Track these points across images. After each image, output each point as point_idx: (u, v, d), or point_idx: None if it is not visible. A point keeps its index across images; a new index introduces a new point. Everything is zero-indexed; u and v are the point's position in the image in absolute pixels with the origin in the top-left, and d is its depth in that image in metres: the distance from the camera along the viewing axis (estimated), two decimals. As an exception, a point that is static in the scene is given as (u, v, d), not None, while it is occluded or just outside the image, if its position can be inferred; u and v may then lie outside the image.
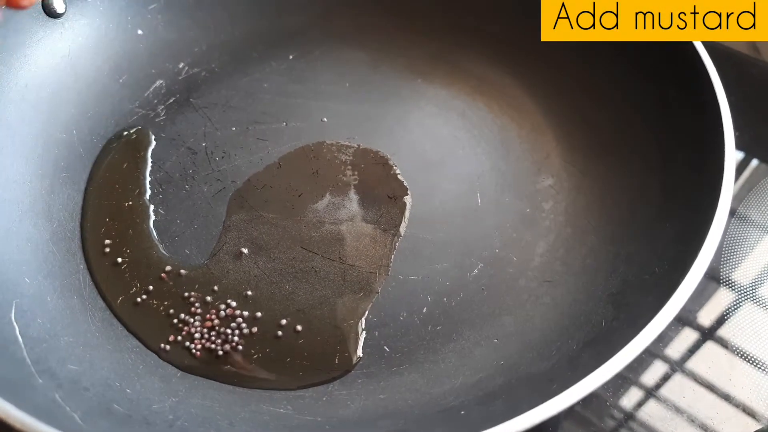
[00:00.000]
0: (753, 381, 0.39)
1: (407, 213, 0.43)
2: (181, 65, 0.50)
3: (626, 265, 0.37)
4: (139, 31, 0.49)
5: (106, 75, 0.48)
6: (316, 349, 0.37)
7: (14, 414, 0.27)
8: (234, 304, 0.38)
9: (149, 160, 0.45)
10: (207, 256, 0.41)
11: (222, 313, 0.38)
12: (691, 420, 0.37)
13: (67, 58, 0.46)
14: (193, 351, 0.37)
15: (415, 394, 0.35)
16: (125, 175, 0.44)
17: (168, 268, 0.40)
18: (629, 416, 0.38)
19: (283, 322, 0.38)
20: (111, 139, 0.46)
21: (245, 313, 0.38)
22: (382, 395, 0.35)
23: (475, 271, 0.40)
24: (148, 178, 0.44)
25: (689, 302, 0.31)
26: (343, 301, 0.39)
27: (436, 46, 0.51)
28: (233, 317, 0.38)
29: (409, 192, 0.44)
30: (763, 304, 0.42)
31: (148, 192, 0.43)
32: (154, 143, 0.46)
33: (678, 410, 0.38)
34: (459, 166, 0.45)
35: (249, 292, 0.39)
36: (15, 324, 0.34)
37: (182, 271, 0.40)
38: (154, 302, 0.38)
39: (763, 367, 0.39)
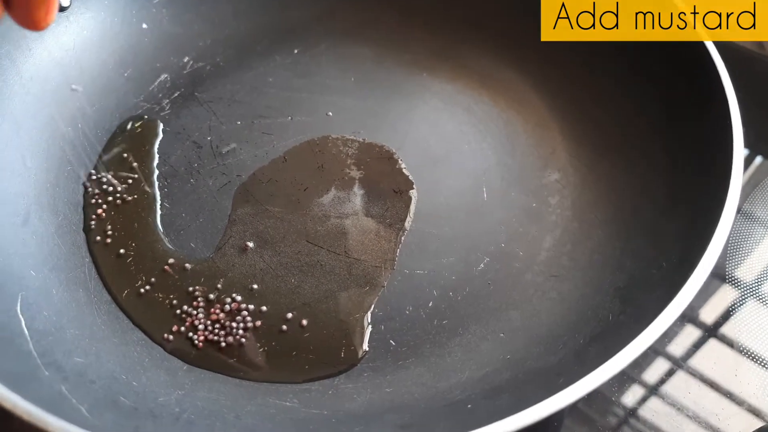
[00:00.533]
0: (758, 378, 0.39)
1: (413, 207, 0.43)
2: (185, 59, 0.50)
3: (633, 259, 0.37)
4: (144, 25, 0.49)
5: (111, 69, 0.48)
6: (321, 343, 0.37)
7: (21, 405, 0.27)
8: (239, 297, 0.38)
9: (155, 153, 0.45)
10: (212, 250, 0.41)
11: (227, 306, 0.38)
12: (696, 417, 0.37)
13: (72, 51, 0.46)
14: (196, 342, 0.37)
15: (422, 388, 0.35)
16: (130, 169, 0.44)
17: (173, 261, 0.40)
18: (633, 413, 0.38)
19: (289, 315, 0.38)
20: (116, 132, 0.46)
21: (251, 307, 0.38)
22: (388, 389, 0.35)
23: (481, 265, 0.40)
24: (154, 172, 0.44)
25: (693, 299, 0.30)
26: (348, 295, 0.39)
27: (441, 41, 0.51)
28: (239, 311, 0.38)
29: (414, 186, 0.44)
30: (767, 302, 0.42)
31: (154, 185, 0.43)
32: (159, 136, 0.46)
33: (682, 407, 0.38)
34: (465, 160, 0.45)
35: (254, 286, 0.39)
36: (21, 317, 0.34)
37: (187, 264, 0.40)
38: (159, 295, 0.38)
39: (767, 365, 0.39)
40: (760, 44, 0.55)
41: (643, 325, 0.29)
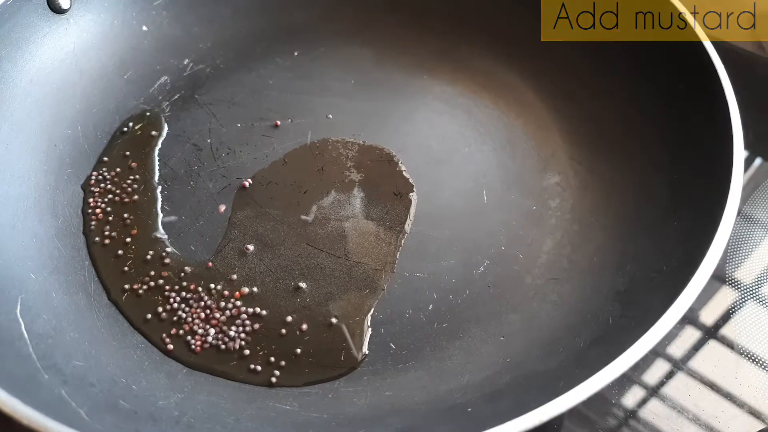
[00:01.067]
0: (758, 380, 0.39)
1: (413, 210, 0.43)
2: (185, 61, 0.50)
3: (633, 262, 0.37)
4: (144, 28, 0.49)
5: (111, 71, 0.48)
6: (321, 346, 0.37)
7: (21, 409, 0.27)
8: (239, 301, 0.38)
9: (155, 156, 0.45)
10: (212, 253, 0.41)
11: (228, 311, 0.38)
12: (696, 419, 0.37)
13: (72, 54, 0.46)
14: (195, 346, 0.37)
15: (422, 391, 0.35)
16: (130, 172, 0.44)
17: (173, 264, 0.40)
18: (633, 415, 0.38)
19: (289, 319, 0.38)
20: (116, 135, 0.46)
21: (250, 310, 0.38)
22: (388, 392, 0.35)
23: (481, 268, 0.40)
24: (154, 175, 0.44)
25: (693, 301, 0.30)
26: (348, 298, 0.39)
27: (441, 43, 0.51)
28: (238, 314, 0.38)
29: (414, 189, 0.44)
30: (767, 303, 0.42)
31: (154, 188, 0.43)
32: (159, 139, 0.46)
33: (682, 409, 0.38)
34: (465, 163, 0.45)
35: (254, 289, 0.39)
36: (21, 320, 0.34)
37: (187, 267, 0.40)
38: (159, 298, 0.38)
39: (767, 366, 0.39)
40: (760, 45, 0.55)
41: (644, 329, 0.29)
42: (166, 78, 0.49)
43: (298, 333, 0.37)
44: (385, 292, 0.39)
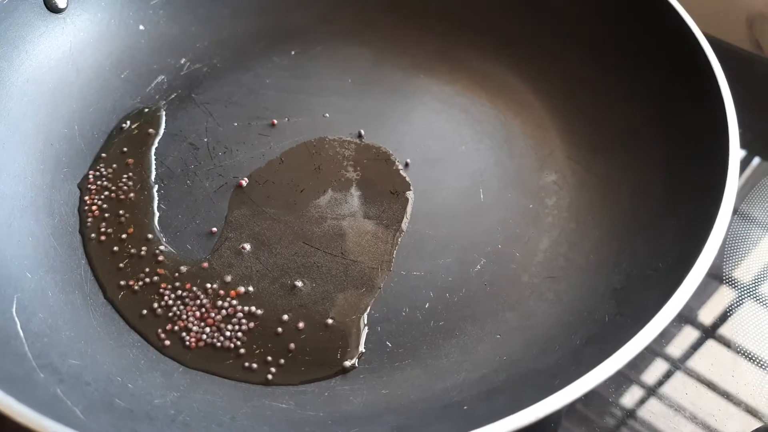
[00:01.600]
0: (755, 379, 0.39)
1: (409, 208, 0.43)
2: (182, 61, 0.50)
3: (630, 261, 0.37)
4: (141, 27, 0.49)
5: (108, 70, 0.48)
6: (317, 345, 0.37)
7: (16, 408, 0.27)
8: (235, 300, 0.38)
9: (151, 155, 0.45)
10: (208, 252, 0.41)
11: (224, 311, 0.38)
12: (693, 418, 0.37)
13: (69, 53, 0.46)
14: (191, 344, 0.36)
15: (418, 389, 0.35)
16: (127, 171, 0.44)
17: (169, 263, 0.40)
18: (631, 414, 0.38)
19: (285, 317, 0.38)
20: (112, 134, 0.46)
21: (246, 309, 0.38)
22: (384, 390, 0.35)
23: (478, 266, 0.40)
24: (151, 174, 0.44)
25: (690, 300, 0.30)
26: (345, 297, 0.39)
27: (439, 42, 0.51)
28: (234, 313, 0.38)
29: (411, 188, 0.44)
30: (765, 302, 0.42)
31: (150, 187, 0.43)
32: (156, 138, 0.46)
33: (680, 408, 0.38)
34: (462, 161, 0.45)
35: (251, 288, 0.39)
36: (16, 319, 0.34)
37: (183, 266, 0.40)
38: (155, 297, 0.38)
39: (765, 366, 0.39)
40: (757, 44, 0.55)
41: (640, 326, 0.29)
42: (163, 77, 0.49)
43: (294, 331, 0.37)
44: (382, 291, 0.39)
